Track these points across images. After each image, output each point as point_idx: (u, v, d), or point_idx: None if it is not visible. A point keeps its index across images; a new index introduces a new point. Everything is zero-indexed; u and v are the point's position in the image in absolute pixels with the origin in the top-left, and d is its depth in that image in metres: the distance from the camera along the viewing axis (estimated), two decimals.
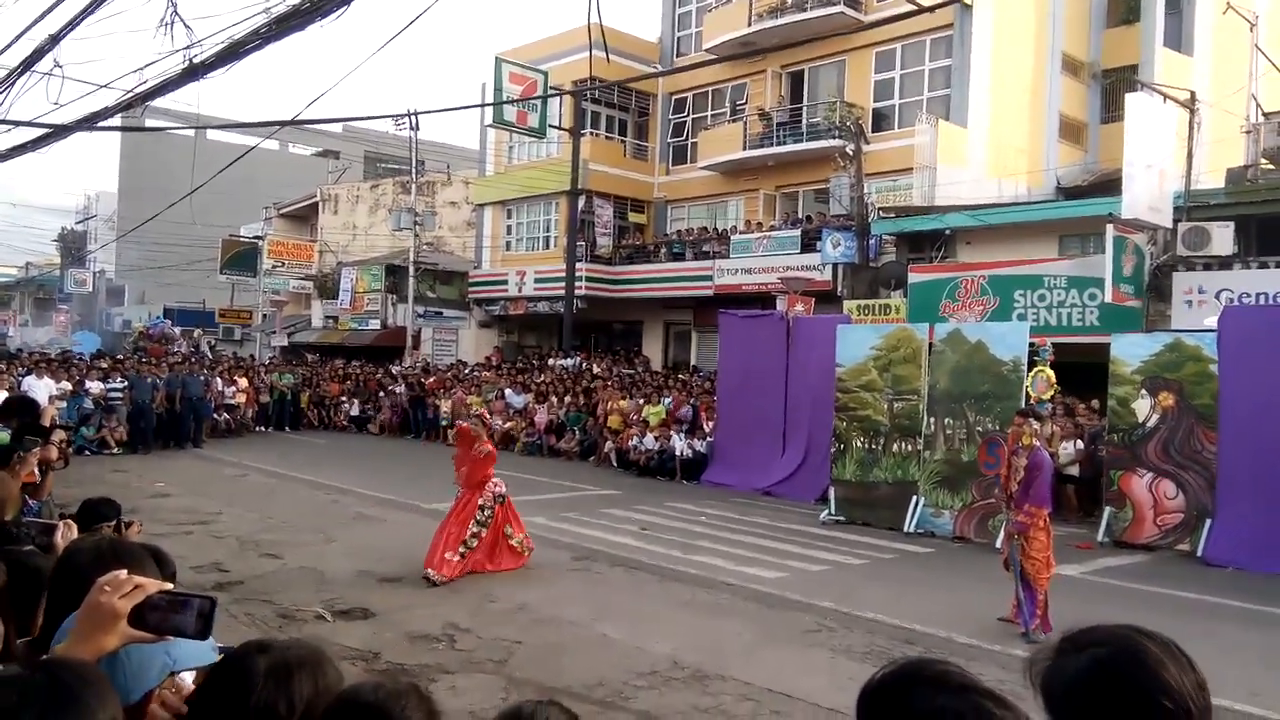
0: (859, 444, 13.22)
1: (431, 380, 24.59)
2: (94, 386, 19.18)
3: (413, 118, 31.09)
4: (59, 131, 9.94)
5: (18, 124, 9.83)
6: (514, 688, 5.92)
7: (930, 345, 12.65)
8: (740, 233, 23.88)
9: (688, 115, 27.51)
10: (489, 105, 23.45)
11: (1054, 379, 13.05)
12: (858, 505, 12.96)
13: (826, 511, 13.08)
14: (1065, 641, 1.35)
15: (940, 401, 12.44)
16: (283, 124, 10.99)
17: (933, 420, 12.49)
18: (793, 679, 6.24)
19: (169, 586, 1.56)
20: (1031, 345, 12.65)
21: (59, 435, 5.72)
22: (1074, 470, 13.30)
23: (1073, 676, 1.28)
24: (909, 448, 12.75)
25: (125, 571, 1.57)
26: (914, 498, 12.38)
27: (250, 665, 1.49)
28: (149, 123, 53.16)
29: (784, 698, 5.91)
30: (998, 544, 11.09)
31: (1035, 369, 13.12)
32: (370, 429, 24.50)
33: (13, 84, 9.36)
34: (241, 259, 39.42)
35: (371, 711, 1.42)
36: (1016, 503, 7.87)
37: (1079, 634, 1.35)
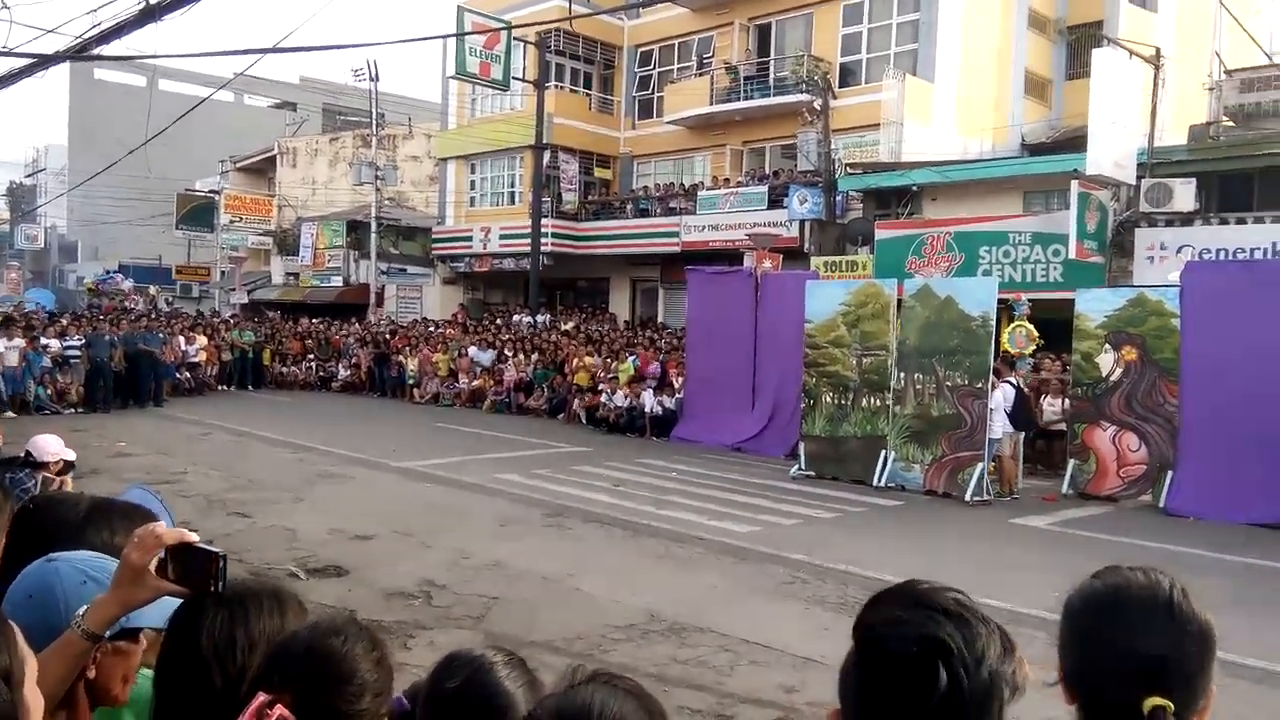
0: (828, 399, 13.31)
1: (396, 338, 24.35)
2: (52, 344, 18.75)
3: (372, 66, 30.49)
4: (42, 62, 9.51)
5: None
6: (492, 643, 5.92)
7: (900, 301, 12.71)
8: (707, 189, 23.77)
9: (654, 69, 27.18)
10: (451, 36, 22.85)
11: (1035, 334, 13.20)
12: (827, 460, 13.08)
13: (797, 466, 13.19)
14: (1098, 572, 1.48)
15: (910, 357, 12.43)
16: (254, 52, 10.68)
17: (902, 375, 12.50)
18: (769, 629, 6.32)
19: (192, 537, 1.51)
20: (1006, 301, 12.73)
21: None
22: (1061, 427, 13.33)
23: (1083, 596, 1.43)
24: (878, 402, 12.84)
25: (161, 524, 1.53)
26: (883, 452, 12.51)
27: (201, 604, 1.45)
28: (101, 71, 51.68)
29: (761, 648, 5.98)
30: (967, 496, 11.33)
31: (1014, 324, 13.27)
32: (333, 387, 24.25)
33: None
34: (198, 214, 38.64)
35: (312, 652, 1.36)
36: None
37: (1108, 568, 1.49)
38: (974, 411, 11.68)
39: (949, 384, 11.99)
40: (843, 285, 14.29)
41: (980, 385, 11.65)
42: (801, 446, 13.36)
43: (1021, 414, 11.99)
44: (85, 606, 1.48)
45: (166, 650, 1.47)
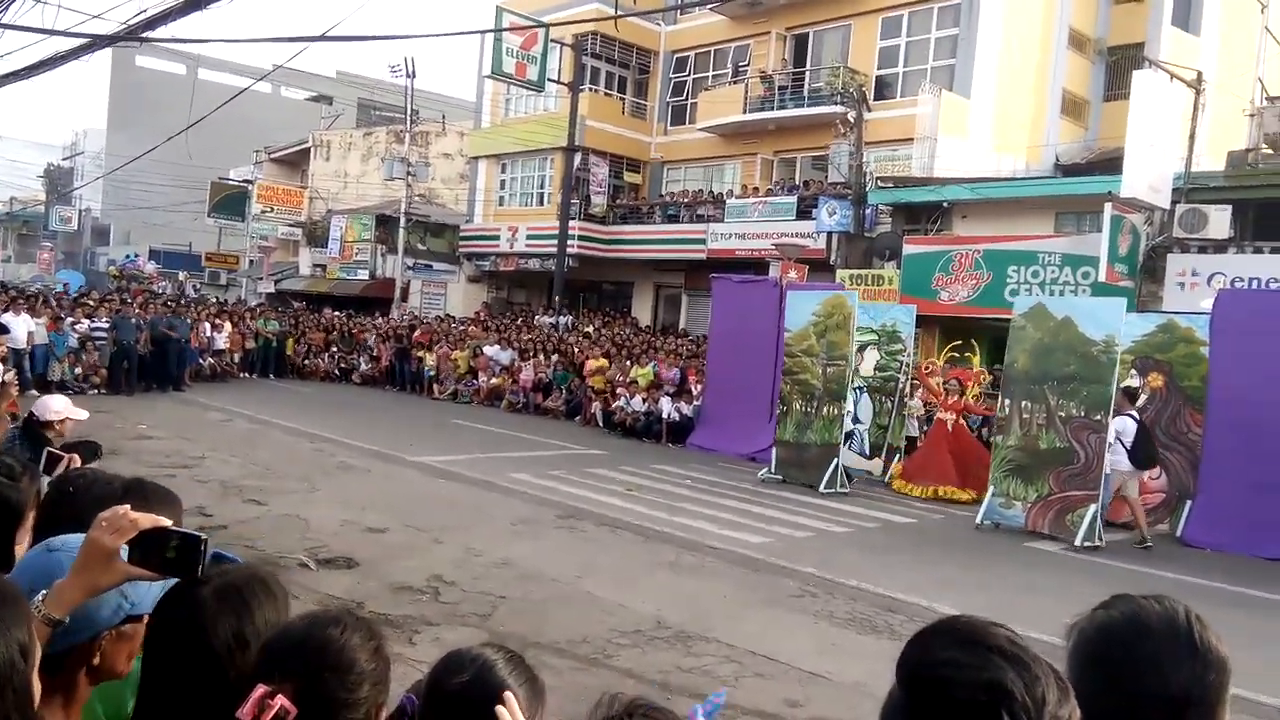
0: (798, 406, 13.56)
1: (418, 333, 24.43)
2: (81, 324, 18.97)
3: (409, 63, 30.69)
4: (92, 44, 9.57)
5: (52, 32, 9.27)
6: (494, 641, 5.89)
7: (1009, 321, 11.76)
8: (736, 197, 23.71)
9: (689, 75, 27.15)
10: (489, 32, 23.00)
11: None
12: (793, 465, 13.33)
13: (766, 470, 13.50)
14: (1106, 601, 1.45)
15: (1017, 382, 11.24)
16: (297, 40, 10.72)
17: (1008, 402, 11.36)
18: (776, 642, 6.26)
19: (166, 523, 1.49)
20: None
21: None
22: None
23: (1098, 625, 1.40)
24: (835, 411, 13.09)
25: (127, 506, 1.50)
26: (834, 460, 12.74)
27: (197, 598, 1.43)
28: (143, 59, 52.35)
29: (766, 660, 5.92)
30: (1077, 541, 10.11)
31: None
32: (354, 379, 24.37)
33: (5, 8, 9.10)
34: (230, 203, 38.96)
35: (311, 642, 1.37)
36: None
37: (1117, 596, 1.46)
38: (1090, 446, 10.42)
39: (1061, 414, 10.71)
40: (815, 296, 14.28)
41: (1099, 418, 10.38)
42: (773, 451, 13.61)
43: (1144, 450, 10.66)
44: (44, 591, 1.46)
45: (165, 644, 1.45)
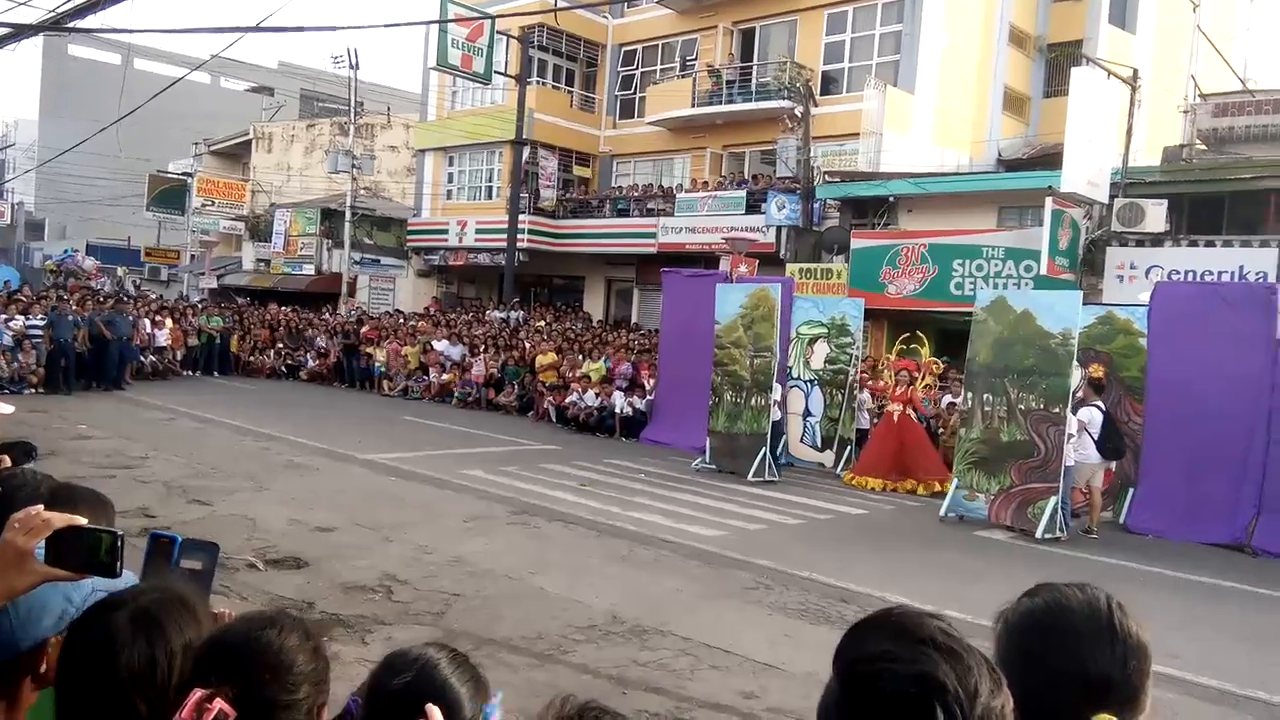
0: (729, 397, 13.93)
1: (366, 329, 24.12)
2: (15, 322, 18.39)
3: (351, 54, 30.24)
4: (17, 33, 9.29)
5: None
6: (451, 640, 5.84)
7: (956, 313, 12.31)
8: (686, 191, 23.76)
9: (637, 68, 27.14)
10: (435, 23, 22.69)
11: None
12: (725, 455, 13.67)
13: (700, 459, 13.84)
14: (1031, 589, 1.50)
15: (979, 375, 11.22)
16: (235, 30, 10.50)
17: (970, 395, 11.31)
18: (730, 634, 6.29)
19: (81, 521, 1.45)
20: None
21: None
22: None
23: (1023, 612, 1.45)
24: (763, 402, 13.46)
25: (40, 506, 1.46)
26: (762, 449, 13.09)
27: (110, 623, 1.39)
28: (75, 48, 50.89)
29: (722, 652, 5.96)
30: (1038, 533, 10.12)
31: None
32: (301, 376, 23.99)
33: None
34: (169, 196, 38.05)
35: (249, 644, 1.35)
36: None
37: (1041, 584, 1.51)
38: (1049, 439, 10.40)
39: (1021, 407, 10.69)
40: (742, 289, 14.55)
41: (1058, 410, 10.34)
42: (707, 441, 13.97)
43: (1111, 441, 10.79)
44: None
45: (74, 670, 1.40)
